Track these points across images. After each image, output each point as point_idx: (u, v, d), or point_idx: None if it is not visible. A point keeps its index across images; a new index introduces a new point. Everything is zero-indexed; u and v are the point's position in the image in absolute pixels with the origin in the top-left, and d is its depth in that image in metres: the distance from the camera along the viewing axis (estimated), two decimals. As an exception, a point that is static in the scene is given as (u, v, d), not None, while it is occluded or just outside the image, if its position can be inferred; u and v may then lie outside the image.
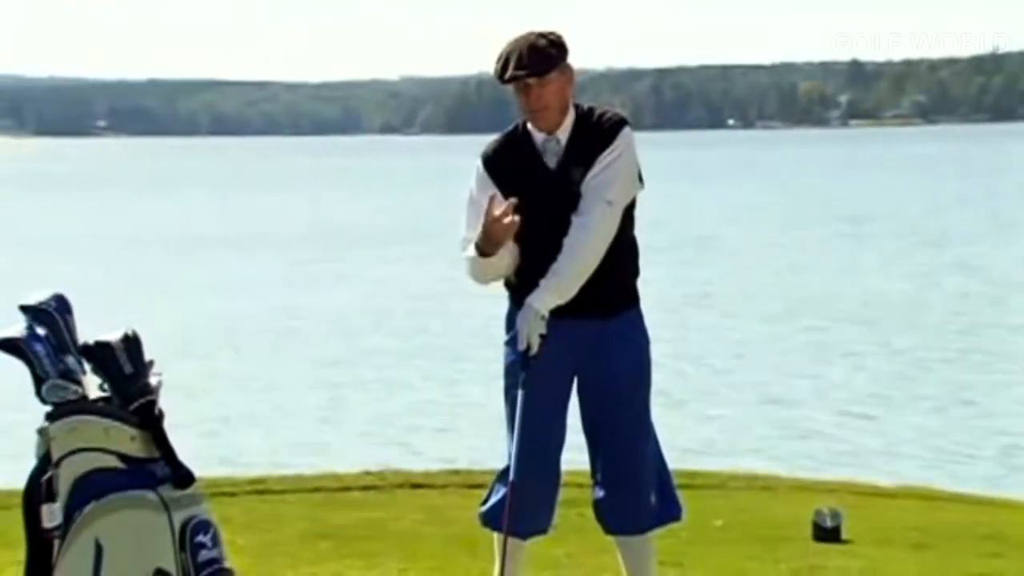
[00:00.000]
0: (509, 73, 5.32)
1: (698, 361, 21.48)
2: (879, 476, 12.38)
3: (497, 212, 5.21)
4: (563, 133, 5.42)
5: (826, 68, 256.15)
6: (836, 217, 49.35)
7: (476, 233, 5.29)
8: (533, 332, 5.31)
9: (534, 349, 5.31)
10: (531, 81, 5.31)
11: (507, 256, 5.39)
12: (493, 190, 5.36)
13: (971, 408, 18.38)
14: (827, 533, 7.35)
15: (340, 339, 24.42)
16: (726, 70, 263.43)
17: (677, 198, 54.72)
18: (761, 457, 15.14)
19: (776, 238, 42.45)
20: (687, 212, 51.66)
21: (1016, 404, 18.39)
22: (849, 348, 22.71)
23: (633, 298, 5.54)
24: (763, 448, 16.05)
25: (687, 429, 16.61)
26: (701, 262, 35.91)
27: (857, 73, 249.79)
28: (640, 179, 5.50)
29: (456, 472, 8.81)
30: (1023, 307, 27.17)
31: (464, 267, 5.39)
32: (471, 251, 5.32)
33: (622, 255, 5.44)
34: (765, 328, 24.85)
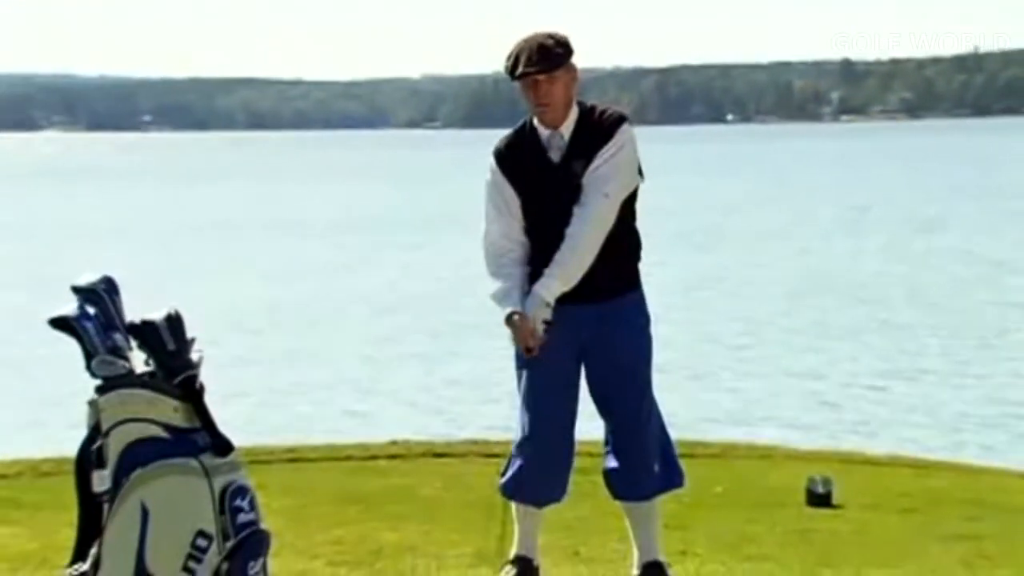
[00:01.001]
0: (520, 70, 5.31)
1: (713, 338, 21.46)
2: (882, 444, 12.38)
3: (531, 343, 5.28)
4: (567, 129, 5.39)
5: (819, 67, 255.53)
6: (836, 205, 49.29)
7: (504, 241, 5.38)
8: (537, 318, 5.29)
9: (539, 333, 5.28)
10: (540, 78, 5.30)
11: (519, 249, 5.41)
12: (505, 183, 5.38)
13: (969, 380, 18.33)
14: (819, 499, 7.34)
15: (378, 317, 24.45)
16: (726, 69, 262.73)
17: (684, 189, 54.67)
18: (772, 425, 15.14)
19: (780, 225, 42.37)
20: (694, 202, 51.63)
21: (1012, 376, 18.35)
22: (853, 325, 22.67)
23: (633, 282, 5.50)
24: (774, 417, 16.01)
25: (703, 400, 16.63)
26: (712, 248, 35.87)
27: (848, 72, 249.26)
28: (640, 172, 5.46)
29: (475, 442, 8.82)
30: (1014, 286, 27.12)
31: (488, 272, 5.43)
32: (493, 288, 5.38)
33: (622, 243, 5.42)
34: (775, 307, 24.80)
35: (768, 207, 49.83)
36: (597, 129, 5.37)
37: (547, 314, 5.28)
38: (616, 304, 5.43)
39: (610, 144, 5.33)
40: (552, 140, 5.40)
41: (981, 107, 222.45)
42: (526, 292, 5.34)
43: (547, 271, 5.31)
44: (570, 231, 5.30)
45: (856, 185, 61.88)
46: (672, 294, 24.08)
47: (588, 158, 5.34)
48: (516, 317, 5.28)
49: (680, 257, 29.66)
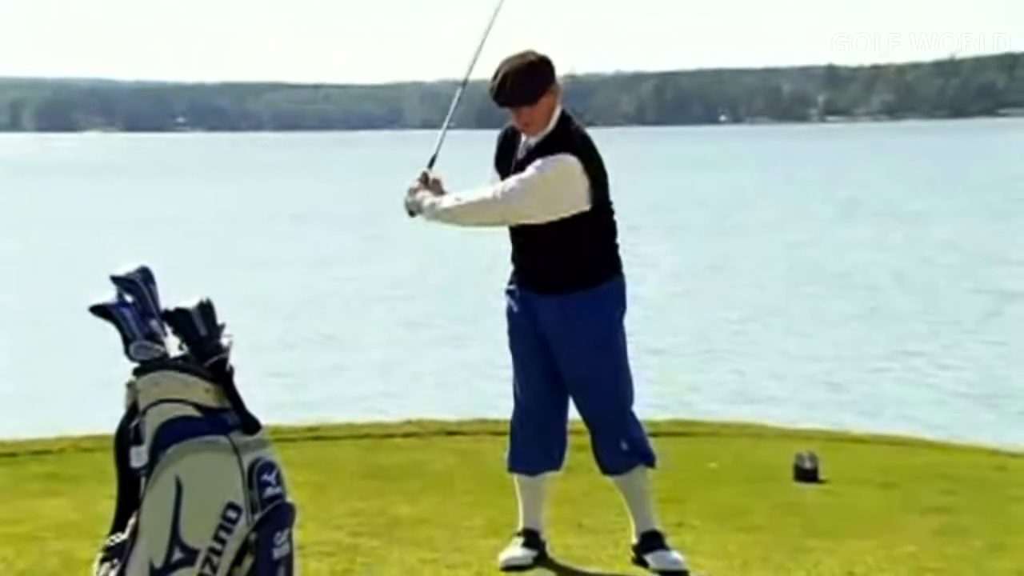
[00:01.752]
0: (503, 100, 5.43)
1: (713, 322, 21.38)
2: (869, 423, 12.34)
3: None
4: (537, 137, 5.50)
5: (806, 72, 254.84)
6: (825, 200, 49.12)
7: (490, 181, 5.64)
8: (413, 203, 5.64)
9: (413, 187, 5.66)
10: (523, 108, 5.42)
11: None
12: (492, 170, 5.67)
13: (955, 361, 18.26)
14: (806, 474, 7.34)
15: (405, 303, 24.42)
16: (719, 73, 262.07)
17: (681, 184, 54.55)
18: (771, 404, 15.10)
19: (773, 218, 42.21)
20: (691, 196, 51.46)
21: (997, 359, 18.30)
22: (846, 311, 22.61)
23: (589, 281, 5.52)
24: (771, 397, 15.96)
25: (704, 381, 16.59)
26: (710, 239, 35.72)
27: (833, 76, 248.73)
28: (599, 199, 5.44)
29: (485, 421, 8.80)
30: (996, 274, 27.05)
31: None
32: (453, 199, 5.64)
33: (574, 249, 5.47)
34: (772, 294, 24.71)
35: (760, 201, 49.66)
36: (551, 146, 5.45)
37: (420, 214, 5.63)
38: (572, 298, 5.49)
39: (539, 161, 5.40)
40: (526, 142, 5.55)
41: (957, 109, 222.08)
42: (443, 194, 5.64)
43: (444, 198, 5.58)
44: (476, 189, 5.57)
45: (843, 181, 61.67)
46: (674, 282, 24.09)
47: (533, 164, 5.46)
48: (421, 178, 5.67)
49: (680, 247, 29.55)
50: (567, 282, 5.48)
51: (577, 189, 5.39)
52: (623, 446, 5.59)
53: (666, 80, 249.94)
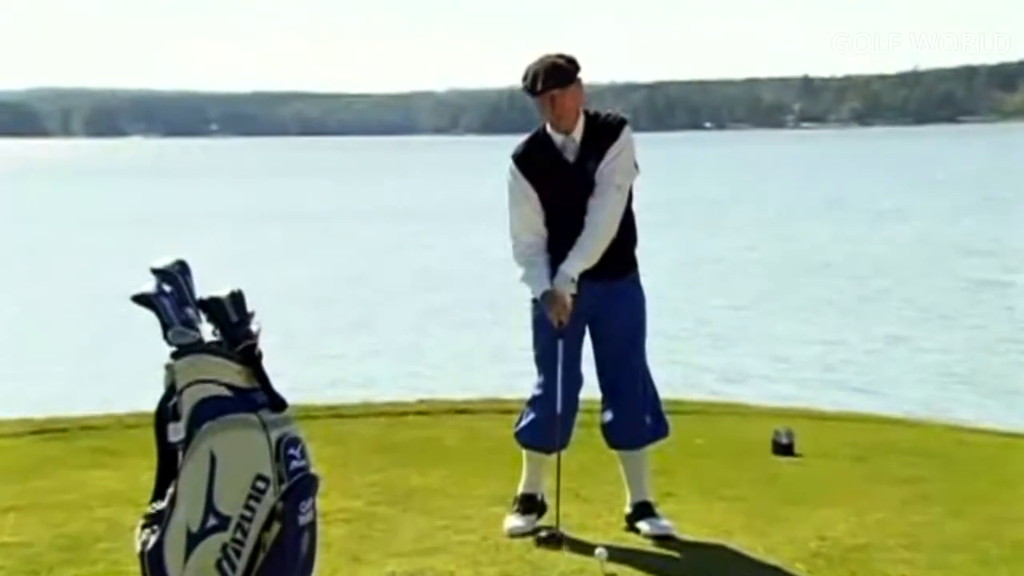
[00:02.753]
0: (540, 87, 5.32)
1: (706, 310, 21.31)
2: (844, 401, 12.31)
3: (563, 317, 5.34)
4: (577, 133, 5.40)
5: (783, 82, 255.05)
6: (803, 198, 49.05)
7: (528, 234, 5.39)
8: (566, 294, 5.33)
9: (568, 307, 5.33)
10: (555, 92, 5.31)
11: (540, 240, 5.43)
12: (526, 184, 5.37)
13: (932, 344, 18.21)
14: (783, 448, 7.32)
15: (427, 293, 24.40)
16: (704, 84, 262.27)
17: (671, 185, 54.38)
18: (766, 382, 15.04)
19: (758, 214, 42.12)
20: (680, 196, 51.34)
21: (970, 342, 18.25)
22: (829, 299, 22.56)
23: (633, 264, 5.54)
24: (768, 375, 15.89)
25: (706, 363, 16.54)
26: (701, 235, 35.67)
27: (807, 86, 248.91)
28: (636, 167, 5.49)
29: (488, 400, 8.79)
30: (968, 266, 27.01)
31: (516, 261, 5.47)
32: (524, 273, 5.43)
33: (624, 229, 5.44)
34: (761, 284, 24.63)
35: (744, 199, 49.62)
36: (604, 131, 5.38)
37: (572, 289, 5.33)
38: (619, 282, 5.46)
39: (616, 143, 5.36)
40: (566, 144, 5.40)
41: (920, 116, 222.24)
42: (552, 273, 5.36)
43: (571, 253, 5.33)
44: (590, 219, 5.33)
45: (818, 181, 61.60)
46: (671, 274, 24.07)
47: (599, 157, 5.36)
48: (550, 295, 5.31)
49: (674, 242, 29.51)
50: (613, 270, 5.43)
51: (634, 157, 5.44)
52: (646, 420, 5.57)
53: (656, 90, 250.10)
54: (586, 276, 5.40)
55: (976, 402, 14.18)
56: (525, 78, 5.38)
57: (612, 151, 5.36)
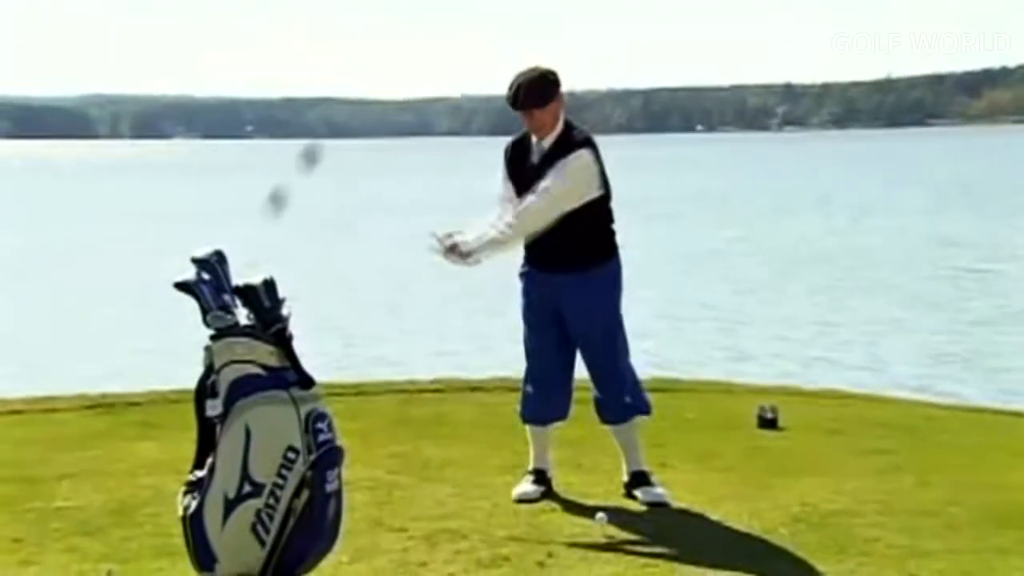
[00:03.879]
0: (519, 104, 5.37)
1: (715, 298, 21.14)
2: (827, 379, 12.19)
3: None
4: (548, 141, 5.44)
5: (767, 88, 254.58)
6: (791, 195, 48.85)
7: (504, 203, 5.47)
8: (466, 249, 5.34)
9: (454, 258, 5.36)
10: (534, 111, 5.34)
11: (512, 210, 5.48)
12: (505, 171, 5.52)
13: (917, 327, 18.03)
14: (767, 423, 7.31)
15: (447, 280, 24.28)
16: (696, 90, 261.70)
17: (665, 183, 54.27)
18: (761, 363, 14.92)
19: (750, 209, 41.89)
20: (675, 193, 51.18)
21: (954, 325, 18.12)
22: (824, 286, 22.41)
23: (596, 260, 5.48)
24: (763, 357, 15.77)
25: (709, 344, 16.42)
26: (707, 228, 35.37)
27: (789, 92, 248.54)
28: (606, 186, 5.43)
29: (500, 379, 8.78)
30: (949, 255, 26.87)
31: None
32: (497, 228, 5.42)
33: (585, 229, 5.42)
34: (758, 273, 24.46)
35: (735, 197, 49.42)
36: (565, 146, 5.39)
37: (459, 261, 5.34)
38: (582, 275, 5.45)
39: (567, 158, 5.36)
40: (538, 147, 5.46)
41: (893, 120, 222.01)
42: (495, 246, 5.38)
43: (488, 233, 5.34)
44: (513, 211, 5.37)
45: (803, 179, 61.38)
46: (665, 263, 23.96)
47: (552, 164, 5.38)
48: (459, 245, 5.34)
49: (668, 235, 29.36)
50: (583, 261, 5.43)
51: (594, 176, 5.39)
52: (626, 399, 5.57)
53: (651, 95, 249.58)
54: (551, 268, 5.45)
55: (959, 377, 14.06)
56: (510, 89, 5.41)
57: (560, 163, 5.37)
